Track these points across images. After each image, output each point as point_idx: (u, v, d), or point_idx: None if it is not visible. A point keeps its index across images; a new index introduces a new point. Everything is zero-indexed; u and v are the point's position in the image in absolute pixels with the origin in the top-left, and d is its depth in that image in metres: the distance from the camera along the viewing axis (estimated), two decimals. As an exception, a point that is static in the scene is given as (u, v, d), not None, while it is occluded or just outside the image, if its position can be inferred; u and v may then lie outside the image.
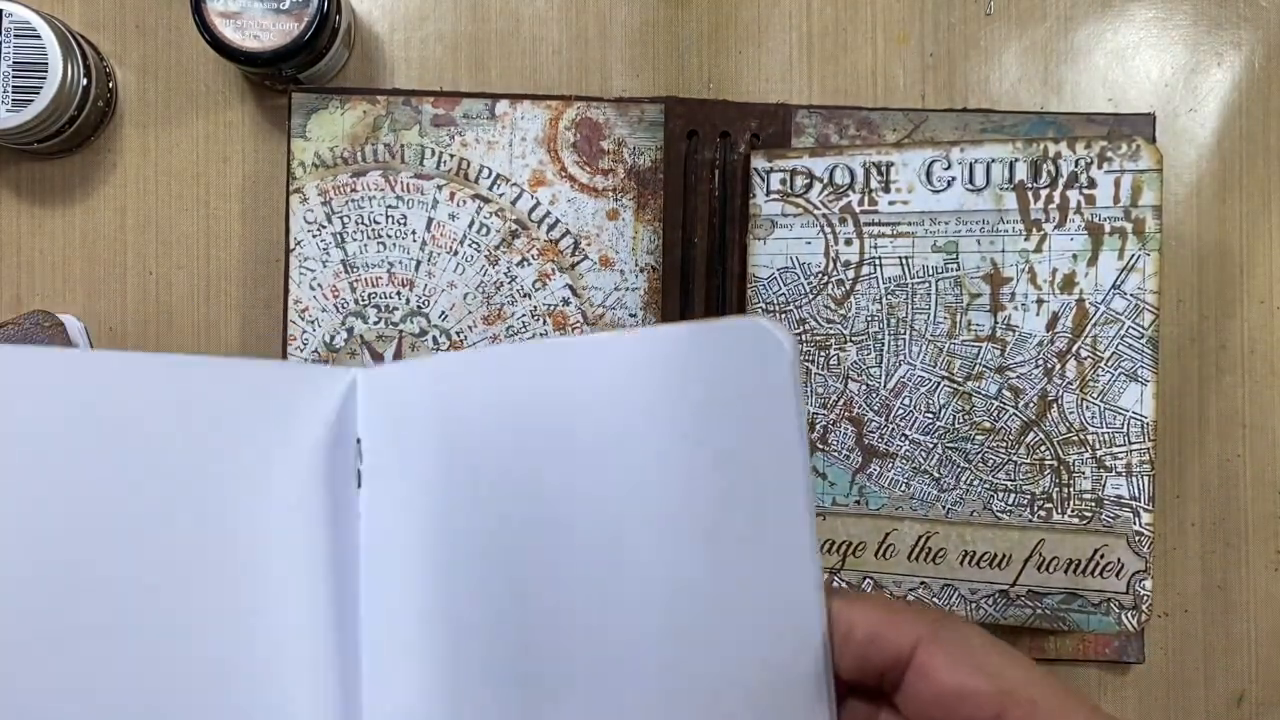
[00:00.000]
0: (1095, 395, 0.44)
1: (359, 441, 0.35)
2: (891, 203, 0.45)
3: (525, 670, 0.31)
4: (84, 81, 0.45)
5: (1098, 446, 0.44)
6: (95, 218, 0.48)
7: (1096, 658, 0.47)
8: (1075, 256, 0.44)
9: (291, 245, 0.47)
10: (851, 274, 0.45)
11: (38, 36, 0.43)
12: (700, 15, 0.49)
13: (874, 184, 0.45)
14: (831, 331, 0.46)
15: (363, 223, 0.47)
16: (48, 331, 0.45)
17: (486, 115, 0.47)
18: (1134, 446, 0.44)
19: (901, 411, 0.45)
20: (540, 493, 0.31)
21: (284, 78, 0.46)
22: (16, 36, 0.43)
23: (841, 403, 0.45)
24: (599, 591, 0.31)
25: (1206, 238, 0.48)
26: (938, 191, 0.45)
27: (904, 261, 0.45)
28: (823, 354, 0.46)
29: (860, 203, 0.45)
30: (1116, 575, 0.44)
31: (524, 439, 0.32)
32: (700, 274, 0.46)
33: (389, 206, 0.47)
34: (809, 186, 0.46)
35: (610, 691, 0.30)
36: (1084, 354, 0.44)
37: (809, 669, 0.29)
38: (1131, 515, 0.44)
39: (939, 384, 0.45)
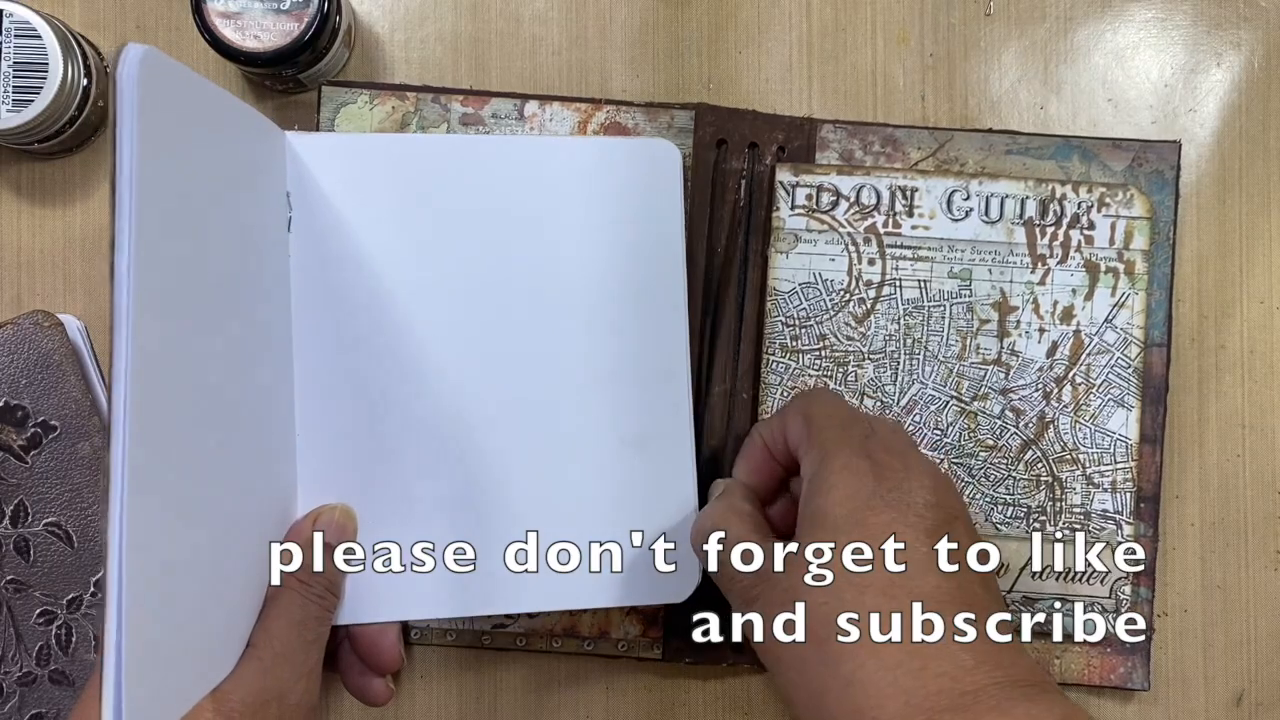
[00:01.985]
0: (1087, 418, 0.47)
1: (288, 194, 0.43)
2: (914, 227, 0.47)
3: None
4: (84, 81, 0.45)
5: (1088, 465, 0.47)
6: (95, 218, 0.48)
7: (1102, 683, 0.47)
8: (1074, 291, 0.47)
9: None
10: (873, 293, 0.47)
11: (38, 36, 0.43)
12: (700, 15, 0.49)
13: (899, 207, 0.47)
14: (850, 349, 0.46)
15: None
16: (47, 331, 0.45)
17: (515, 116, 0.47)
18: (1119, 465, 0.46)
19: (912, 428, 0.47)
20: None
21: (284, 78, 0.46)
22: (16, 36, 0.43)
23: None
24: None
25: (1206, 238, 0.48)
26: (957, 220, 0.47)
27: (922, 285, 0.47)
28: (840, 370, 0.46)
29: (885, 224, 0.47)
30: (1101, 581, 0.46)
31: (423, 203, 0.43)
32: (723, 282, 0.46)
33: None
34: (835, 204, 0.46)
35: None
36: (1078, 380, 0.47)
37: (679, 365, 0.45)
38: (1115, 527, 0.47)
39: (948, 403, 0.47)
